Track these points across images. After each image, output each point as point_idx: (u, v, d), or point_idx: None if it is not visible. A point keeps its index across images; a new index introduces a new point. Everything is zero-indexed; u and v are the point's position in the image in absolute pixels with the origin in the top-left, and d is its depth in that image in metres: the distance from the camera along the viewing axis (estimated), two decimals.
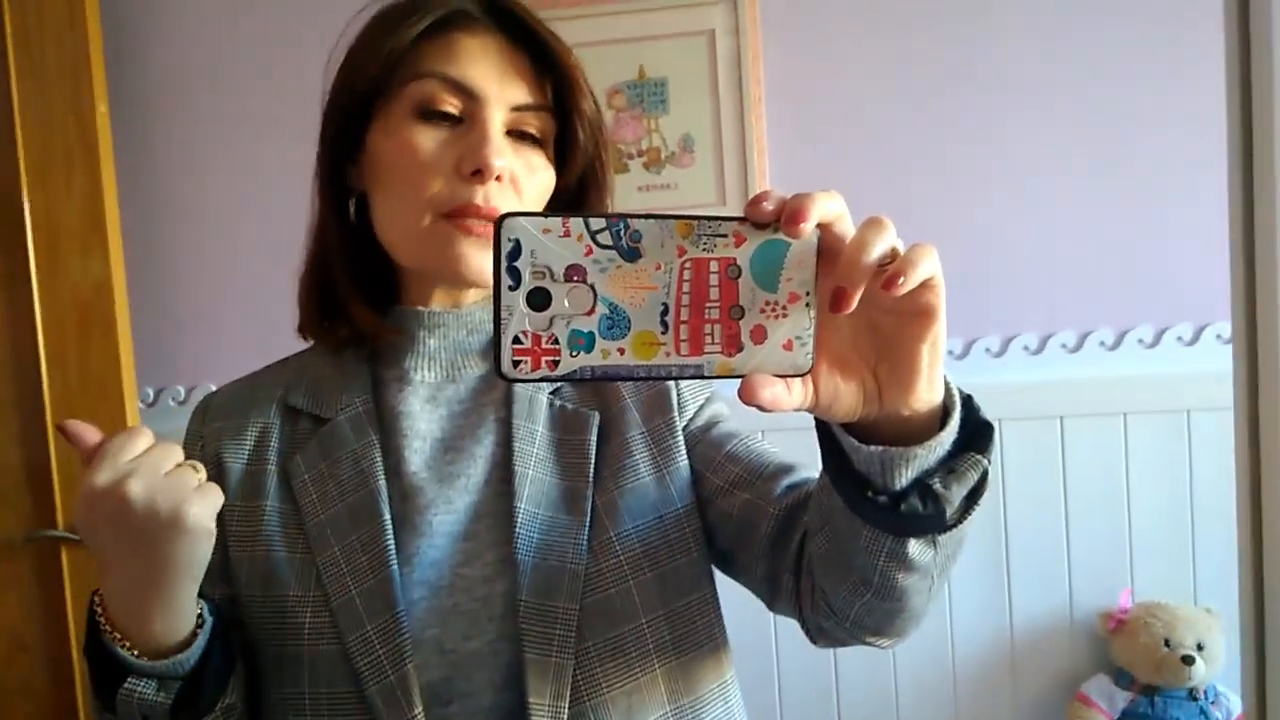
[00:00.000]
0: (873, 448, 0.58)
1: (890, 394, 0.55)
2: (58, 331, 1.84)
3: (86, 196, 1.81)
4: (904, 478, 0.59)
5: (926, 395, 0.55)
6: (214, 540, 0.67)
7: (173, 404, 1.99)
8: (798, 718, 1.94)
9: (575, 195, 0.87)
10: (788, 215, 0.49)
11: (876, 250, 0.50)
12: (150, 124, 1.97)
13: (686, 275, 0.51)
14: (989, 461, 0.61)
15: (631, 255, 0.51)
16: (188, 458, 0.83)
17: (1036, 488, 1.88)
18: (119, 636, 0.69)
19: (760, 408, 0.52)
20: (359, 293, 0.83)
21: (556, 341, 0.50)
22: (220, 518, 0.79)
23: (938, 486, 0.59)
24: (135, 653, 0.69)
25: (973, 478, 0.60)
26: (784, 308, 0.53)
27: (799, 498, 0.78)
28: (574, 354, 0.51)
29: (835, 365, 0.55)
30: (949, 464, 0.60)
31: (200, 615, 0.71)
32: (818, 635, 0.79)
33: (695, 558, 0.82)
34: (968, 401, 0.61)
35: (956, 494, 0.60)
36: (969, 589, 1.90)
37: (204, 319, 1.96)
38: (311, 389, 0.84)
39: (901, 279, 0.49)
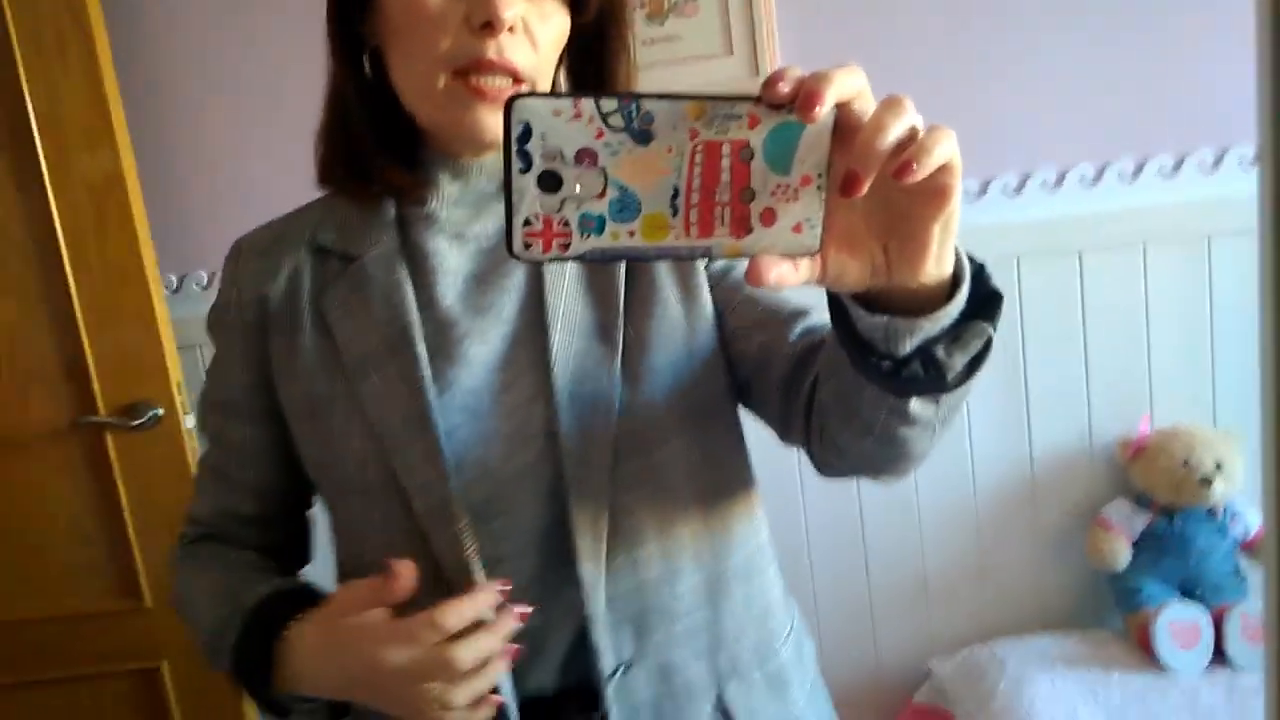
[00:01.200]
0: (878, 317, 0.59)
1: (898, 269, 0.55)
2: (75, 225, 1.84)
3: (87, 90, 1.79)
4: (907, 346, 0.60)
5: (935, 271, 0.56)
6: None
7: (196, 289, 2.01)
8: (823, 551, 2.02)
9: (594, 37, 0.84)
10: (803, 99, 0.47)
11: (893, 134, 0.49)
12: (145, 8, 1.92)
13: (698, 159, 0.50)
14: (994, 330, 0.61)
15: (643, 138, 0.50)
16: (226, 303, 0.87)
17: (1055, 323, 1.89)
18: (280, 677, 0.76)
19: (768, 287, 0.52)
20: (383, 150, 0.82)
21: (567, 224, 0.50)
22: (265, 361, 0.84)
23: (940, 354, 0.61)
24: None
25: (976, 345, 0.61)
26: (795, 190, 0.52)
27: (812, 342, 0.80)
28: (584, 236, 0.51)
29: (844, 240, 0.55)
30: (954, 331, 0.61)
31: None
32: (823, 467, 0.82)
33: (721, 388, 0.85)
34: (979, 271, 0.61)
35: (959, 361, 0.61)
36: (989, 421, 1.94)
37: (221, 202, 1.96)
38: (339, 228, 0.85)
39: (915, 167, 0.49)
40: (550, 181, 0.50)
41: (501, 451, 0.78)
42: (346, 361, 0.79)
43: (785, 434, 0.84)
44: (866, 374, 0.63)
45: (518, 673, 0.78)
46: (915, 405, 0.64)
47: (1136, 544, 1.86)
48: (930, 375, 0.61)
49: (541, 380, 0.79)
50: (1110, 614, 1.97)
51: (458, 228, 0.83)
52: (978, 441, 1.95)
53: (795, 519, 2.00)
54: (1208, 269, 1.85)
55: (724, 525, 0.85)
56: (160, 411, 1.88)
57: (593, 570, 0.77)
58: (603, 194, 0.50)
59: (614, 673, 0.78)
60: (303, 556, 0.97)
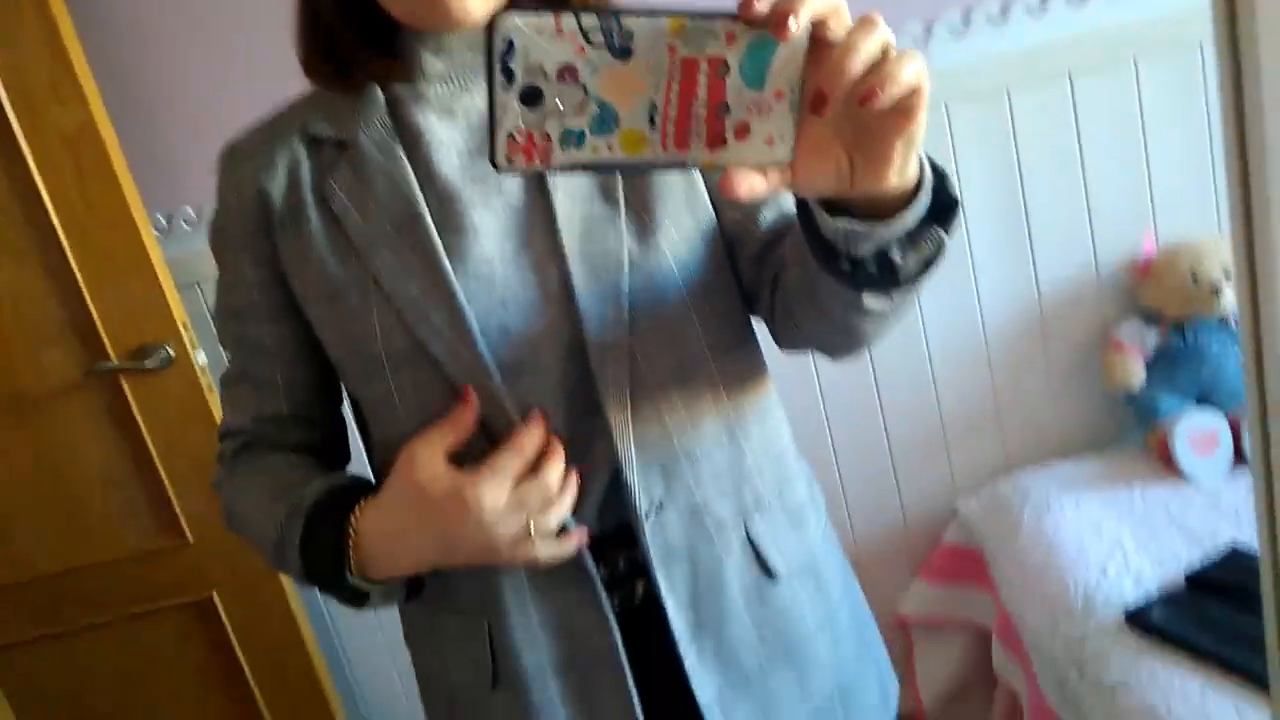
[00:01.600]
0: (839, 222, 0.64)
1: (862, 179, 0.59)
2: (56, 181, 1.83)
3: (46, 44, 1.75)
4: (865, 249, 0.66)
5: (896, 181, 0.59)
6: None
7: (186, 226, 2.00)
8: (840, 409, 2.04)
9: None
10: (776, 18, 0.50)
11: (863, 56, 0.51)
12: None
13: (676, 75, 0.52)
14: (949, 236, 0.67)
15: (623, 54, 0.51)
16: (224, 207, 0.87)
17: (1051, 151, 1.86)
18: (352, 562, 0.79)
19: (739, 199, 0.55)
20: (361, 37, 0.82)
21: (548, 138, 0.52)
22: (274, 256, 0.85)
23: (895, 257, 0.67)
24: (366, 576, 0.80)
25: (929, 250, 0.67)
26: (769, 105, 0.54)
27: (781, 225, 0.84)
28: (565, 149, 0.53)
29: (813, 151, 0.57)
30: (911, 235, 0.66)
31: None
32: (782, 343, 0.89)
33: (719, 245, 0.87)
34: (940, 179, 0.66)
35: (912, 263, 0.67)
36: (993, 259, 1.94)
37: (198, 135, 1.93)
38: (330, 117, 0.84)
39: (879, 94, 0.52)
40: (532, 96, 0.51)
41: (521, 314, 0.80)
42: (357, 243, 0.80)
43: (752, 306, 0.90)
44: (826, 270, 0.69)
45: None
46: (869, 299, 0.70)
47: (1150, 361, 1.87)
48: (884, 275, 0.68)
49: (550, 242, 0.81)
50: (1129, 434, 1.99)
51: (445, 103, 0.83)
52: (983, 279, 1.94)
53: (809, 380, 2.01)
54: (1201, 76, 1.81)
55: (737, 371, 0.88)
56: (171, 351, 1.89)
57: (620, 419, 0.80)
58: (583, 109, 0.52)
59: (648, 514, 0.82)
60: (344, 453, 0.98)
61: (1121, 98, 1.83)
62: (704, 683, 0.84)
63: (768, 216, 0.85)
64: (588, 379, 0.80)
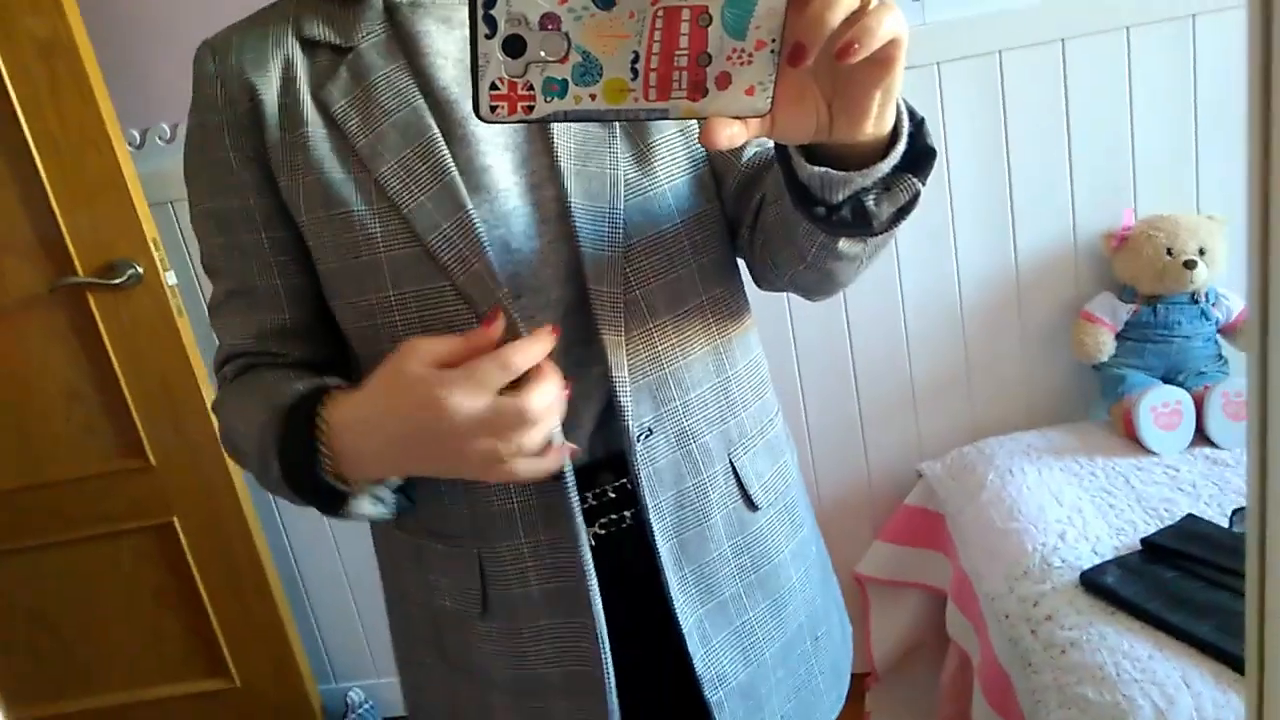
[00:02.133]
0: (815, 169, 0.65)
1: (839, 128, 0.60)
2: (29, 92, 1.79)
3: None
4: (840, 195, 0.67)
5: (873, 130, 0.60)
6: None
7: (160, 142, 1.96)
8: (812, 365, 2.05)
9: None
10: None
11: (841, 10, 0.52)
12: None
13: (658, 24, 0.52)
14: (923, 185, 0.68)
15: (605, 3, 0.51)
16: (204, 103, 0.83)
17: (1038, 117, 1.86)
18: (329, 466, 0.75)
19: (718, 148, 0.56)
20: None
21: (531, 88, 0.53)
22: (263, 156, 0.81)
23: (869, 204, 0.68)
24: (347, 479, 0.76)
25: (904, 198, 0.68)
26: (750, 55, 0.54)
27: (762, 162, 0.85)
28: (548, 99, 0.53)
29: (791, 99, 0.58)
30: (886, 183, 0.67)
31: None
32: (759, 281, 0.90)
33: (709, 175, 0.87)
34: (918, 127, 0.66)
35: (885, 210, 0.68)
36: (973, 222, 1.94)
37: (175, 49, 1.89)
38: (326, 21, 0.82)
39: (856, 48, 0.53)
40: (515, 46, 0.52)
41: (522, 230, 0.80)
42: (360, 149, 0.78)
43: (732, 240, 0.90)
44: (802, 213, 0.70)
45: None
46: (844, 244, 0.72)
47: (1120, 335, 1.89)
48: (859, 220, 0.69)
49: (547, 160, 0.80)
50: (1096, 408, 2.02)
51: (444, 12, 0.82)
52: (962, 243, 1.95)
53: (784, 334, 2.02)
54: (1192, 51, 1.81)
55: (725, 302, 0.89)
56: (140, 269, 1.86)
57: (613, 340, 0.80)
58: (565, 58, 0.52)
59: (638, 438, 0.82)
60: (350, 372, 0.94)
61: (1111, 67, 1.83)
62: (686, 610, 0.85)
63: (749, 151, 0.86)
64: (584, 301, 0.80)
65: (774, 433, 0.95)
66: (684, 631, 0.85)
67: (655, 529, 0.84)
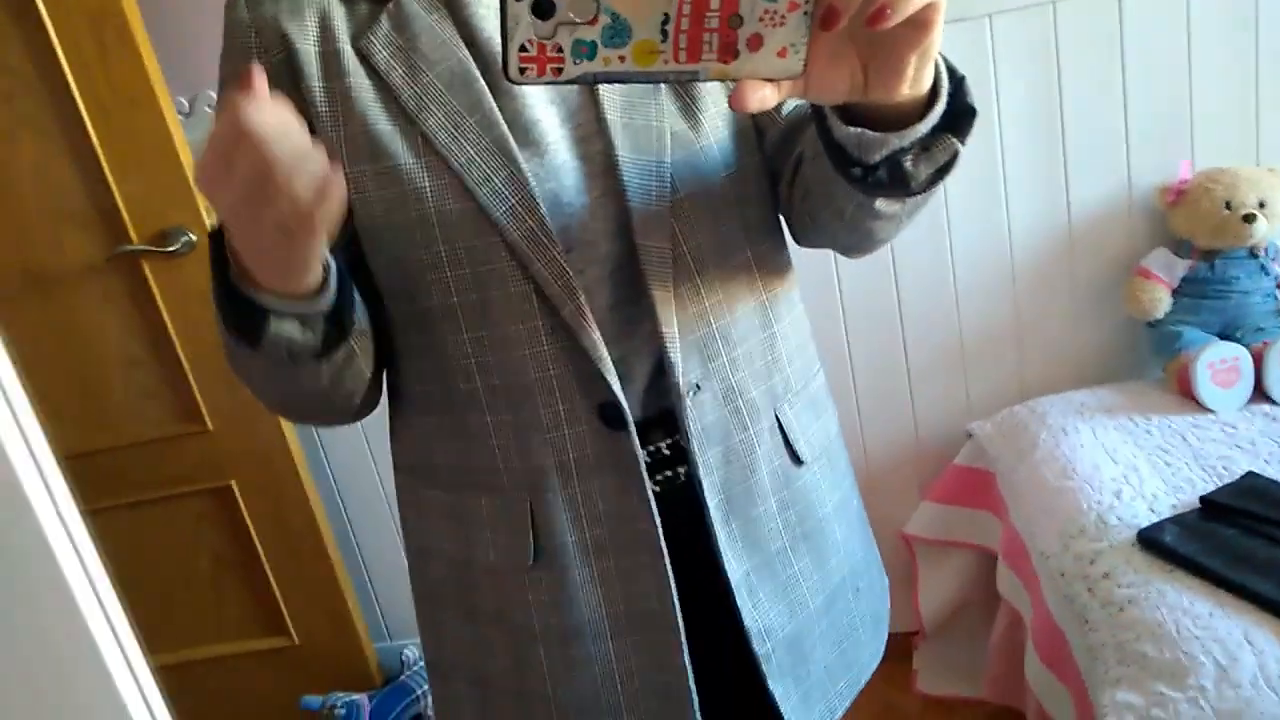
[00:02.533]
0: (851, 130, 0.65)
1: (875, 89, 0.59)
2: (79, 58, 1.80)
3: None
4: (877, 156, 0.66)
5: (910, 92, 0.59)
6: (321, 237, 0.64)
7: (209, 110, 1.97)
8: (859, 323, 2.04)
9: None
10: None
11: None
12: None
13: None
14: (963, 145, 0.67)
15: None
16: (239, 50, 0.80)
17: (1093, 69, 1.82)
18: (249, 282, 0.67)
19: (749, 111, 0.55)
20: None
21: (560, 50, 0.52)
22: (301, 107, 0.76)
23: (907, 165, 0.67)
24: (269, 295, 0.68)
25: (942, 158, 0.67)
26: (782, 16, 0.53)
27: (803, 116, 0.83)
28: (577, 62, 0.53)
29: (826, 60, 0.56)
30: (924, 143, 0.66)
31: (325, 261, 0.70)
32: (799, 238, 0.90)
33: (751, 130, 0.87)
34: (958, 86, 0.65)
35: (924, 171, 0.68)
36: (1026, 176, 1.91)
37: (221, 14, 1.90)
38: None
39: (889, 13, 0.51)
40: (544, 8, 0.51)
41: (572, 184, 0.79)
42: (405, 101, 0.77)
43: (772, 194, 0.89)
44: (839, 172, 0.69)
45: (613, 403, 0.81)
46: (881, 203, 0.72)
47: (1176, 291, 1.85)
48: (895, 181, 0.68)
49: (594, 114, 0.80)
50: (1149, 367, 1.99)
51: None
52: (1014, 197, 1.92)
53: (830, 292, 2.01)
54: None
55: (770, 257, 0.89)
56: (193, 236, 1.89)
57: (662, 295, 0.80)
58: (595, 20, 0.52)
59: (688, 393, 0.82)
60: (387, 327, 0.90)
61: (1170, 16, 1.78)
62: (734, 564, 0.86)
63: (788, 104, 0.84)
64: (632, 257, 0.80)
65: (816, 388, 0.95)
66: (732, 586, 0.86)
67: (704, 484, 0.84)
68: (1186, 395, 1.78)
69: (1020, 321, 2.01)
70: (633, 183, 0.79)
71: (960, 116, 0.66)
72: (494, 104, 0.77)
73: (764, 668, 0.88)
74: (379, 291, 0.84)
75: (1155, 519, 1.45)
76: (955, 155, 0.68)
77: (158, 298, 1.94)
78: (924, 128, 0.64)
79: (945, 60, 0.64)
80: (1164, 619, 1.26)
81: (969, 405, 2.08)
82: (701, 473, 0.84)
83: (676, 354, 0.81)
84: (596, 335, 0.79)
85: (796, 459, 0.91)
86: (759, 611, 0.88)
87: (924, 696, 2.06)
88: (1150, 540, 1.39)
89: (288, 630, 2.22)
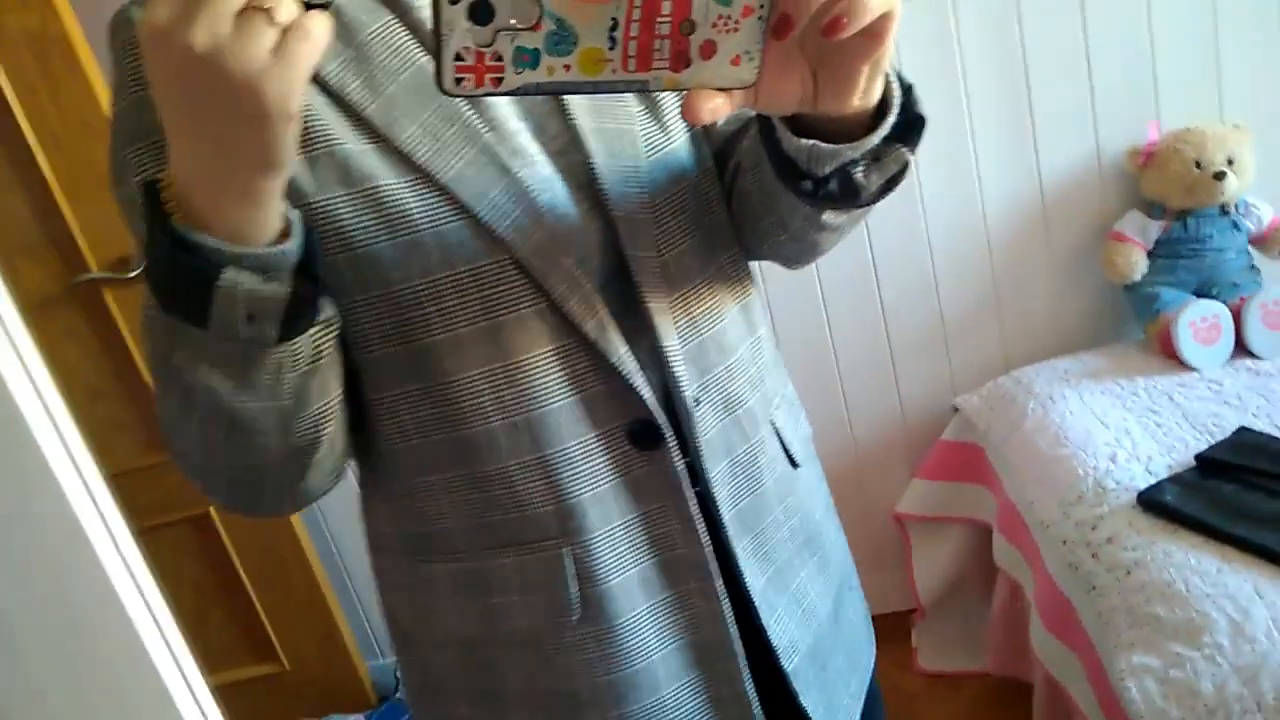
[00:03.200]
0: (803, 142, 0.63)
1: (825, 100, 0.57)
2: (23, 82, 1.75)
3: None
4: (827, 169, 0.65)
5: (861, 103, 0.57)
6: (297, 126, 0.53)
7: None
8: (840, 307, 2.03)
9: None
10: None
11: None
12: None
13: None
14: (913, 155, 0.66)
15: None
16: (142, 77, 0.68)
17: (1056, 35, 1.83)
18: (198, 225, 0.56)
19: (700, 123, 0.53)
20: None
21: (500, 58, 0.48)
22: None
23: (858, 176, 0.66)
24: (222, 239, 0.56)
25: (893, 169, 0.66)
26: (736, 22, 0.51)
27: (739, 127, 0.81)
28: (519, 71, 0.49)
29: (777, 69, 0.54)
30: (875, 153, 0.65)
31: (284, 215, 0.60)
32: (747, 242, 0.86)
33: (700, 130, 0.84)
34: (907, 93, 0.64)
35: (874, 182, 0.67)
36: (996, 150, 1.91)
37: None
38: None
39: (845, 22, 0.50)
40: (482, 12, 0.47)
41: (563, 196, 0.74)
42: (370, 117, 0.69)
43: None
44: (787, 186, 0.67)
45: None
46: (829, 216, 0.70)
47: (1151, 253, 1.86)
48: (846, 193, 0.67)
49: (563, 122, 0.75)
50: (1130, 329, 2.00)
51: None
52: (985, 170, 1.92)
53: (808, 277, 1.99)
54: None
55: (739, 259, 0.85)
56: None
57: (658, 307, 0.76)
58: (538, 26, 0.48)
59: (692, 408, 0.78)
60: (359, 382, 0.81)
61: None
62: (752, 580, 0.82)
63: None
64: (622, 269, 0.75)
65: (791, 390, 0.93)
66: (755, 602, 0.82)
67: (718, 500, 0.79)
68: (1169, 355, 1.79)
69: (999, 293, 2.01)
70: (614, 191, 0.74)
71: (910, 126, 0.65)
72: (471, 112, 0.71)
73: (794, 684, 0.84)
74: (352, 342, 0.74)
75: (1152, 480, 1.45)
76: (906, 165, 0.66)
77: (120, 326, 1.89)
78: (876, 139, 0.62)
79: (893, 70, 0.61)
80: (1173, 578, 1.26)
81: (953, 380, 2.08)
82: (714, 488, 0.79)
83: (680, 366, 0.77)
84: (624, 347, 0.73)
85: (793, 463, 0.88)
86: (780, 627, 0.84)
87: (926, 674, 2.06)
88: (1151, 501, 1.39)
89: (277, 656, 2.18)
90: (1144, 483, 1.45)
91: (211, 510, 2.05)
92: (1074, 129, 1.89)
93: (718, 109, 0.53)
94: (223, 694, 2.33)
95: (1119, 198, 1.92)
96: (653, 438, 0.75)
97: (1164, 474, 1.46)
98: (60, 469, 0.40)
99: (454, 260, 0.70)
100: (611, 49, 0.49)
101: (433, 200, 0.69)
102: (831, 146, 0.62)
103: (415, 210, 0.69)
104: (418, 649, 0.86)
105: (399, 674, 0.90)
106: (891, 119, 0.62)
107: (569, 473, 0.75)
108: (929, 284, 2.01)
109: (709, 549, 0.78)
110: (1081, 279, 1.99)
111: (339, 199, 0.68)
